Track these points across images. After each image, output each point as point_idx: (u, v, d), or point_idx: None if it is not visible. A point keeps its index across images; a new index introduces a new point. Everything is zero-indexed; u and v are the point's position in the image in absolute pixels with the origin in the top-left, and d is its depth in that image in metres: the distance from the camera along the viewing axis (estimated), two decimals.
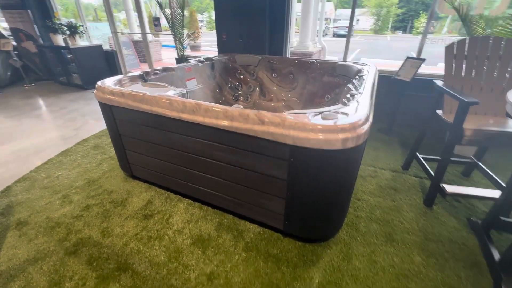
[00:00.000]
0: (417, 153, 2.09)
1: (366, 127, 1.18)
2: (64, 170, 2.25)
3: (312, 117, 1.19)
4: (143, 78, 2.13)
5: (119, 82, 1.89)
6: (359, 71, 2.30)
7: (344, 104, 1.44)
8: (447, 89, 1.64)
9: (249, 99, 3.13)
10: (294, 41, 5.58)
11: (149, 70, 2.23)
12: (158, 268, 1.36)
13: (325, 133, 1.09)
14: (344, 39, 3.12)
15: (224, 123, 1.30)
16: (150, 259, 1.41)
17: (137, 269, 1.35)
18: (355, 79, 2.16)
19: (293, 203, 1.36)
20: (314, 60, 2.77)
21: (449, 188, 1.65)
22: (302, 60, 2.84)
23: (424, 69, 2.87)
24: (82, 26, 4.80)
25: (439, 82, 1.80)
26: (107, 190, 1.97)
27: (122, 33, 4.94)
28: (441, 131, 2.76)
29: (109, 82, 1.80)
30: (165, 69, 2.39)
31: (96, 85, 1.76)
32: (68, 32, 4.57)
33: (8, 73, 5.10)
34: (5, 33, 5.18)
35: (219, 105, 1.33)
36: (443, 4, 2.50)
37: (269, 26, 3.20)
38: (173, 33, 3.59)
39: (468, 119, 1.59)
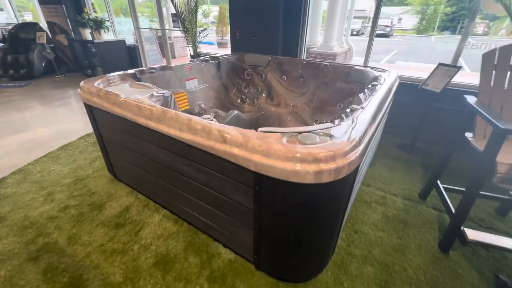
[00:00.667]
0: (438, 181, 1.73)
1: (354, 156, 0.93)
2: (59, 165, 2.25)
3: (288, 138, 0.96)
4: (136, 77, 2.03)
5: (107, 81, 1.81)
6: (376, 78, 1.98)
7: (342, 119, 1.19)
8: (479, 109, 1.28)
9: (255, 102, 2.92)
10: (319, 41, 5.23)
11: (144, 68, 2.14)
12: None
13: (293, 162, 0.87)
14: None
15: (188, 136, 1.12)
16: (106, 277, 1.30)
17: None
18: (367, 88, 1.85)
19: (262, 236, 1.15)
20: (327, 63, 2.48)
21: (472, 234, 1.31)
22: (314, 62, 2.56)
23: (465, 77, 2.43)
24: (108, 21, 4.95)
25: (471, 99, 1.44)
26: (90, 191, 1.92)
27: (143, 28, 5.00)
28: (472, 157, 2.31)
29: (94, 81, 1.73)
30: (163, 68, 2.28)
31: (80, 84, 1.69)
32: (94, 27, 4.73)
33: (43, 64, 5.46)
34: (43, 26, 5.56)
35: (185, 114, 1.16)
36: (489, 1, 2.06)
37: (284, 25, 2.96)
38: (183, 29, 3.50)
39: (506, 148, 1.23)
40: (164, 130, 1.21)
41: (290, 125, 2.49)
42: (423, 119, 2.44)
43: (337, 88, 2.42)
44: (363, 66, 2.34)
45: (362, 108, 1.29)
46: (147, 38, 5.57)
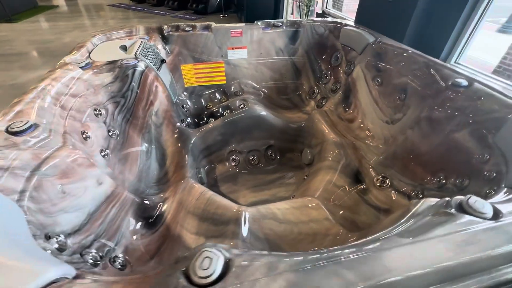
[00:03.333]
0: None
1: None
2: None
3: None
4: (163, 33, 1.76)
5: (128, 33, 1.67)
6: None
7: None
8: None
9: (323, 104, 1.94)
10: None
11: (179, 24, 1.82)
12: None
13: None
14: None
15: None
16: None
17: None
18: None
19: None
20: (463, 81, 1.10)
21: None
22: (441, 69, 1.22)
23: None
24: None
25: None
26: None
27: None
28: None
29: (109, 32, 1.63)
30: (206, 27, 1.85)
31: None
32: None
33: (217, 2, 6.23)
34: None
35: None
36: None
37: None
38: None
39: None
40: None
41: (331, 163, 1.47)
42: None
43: (452, 140, 1.08)
44: None
45: None
46: None
